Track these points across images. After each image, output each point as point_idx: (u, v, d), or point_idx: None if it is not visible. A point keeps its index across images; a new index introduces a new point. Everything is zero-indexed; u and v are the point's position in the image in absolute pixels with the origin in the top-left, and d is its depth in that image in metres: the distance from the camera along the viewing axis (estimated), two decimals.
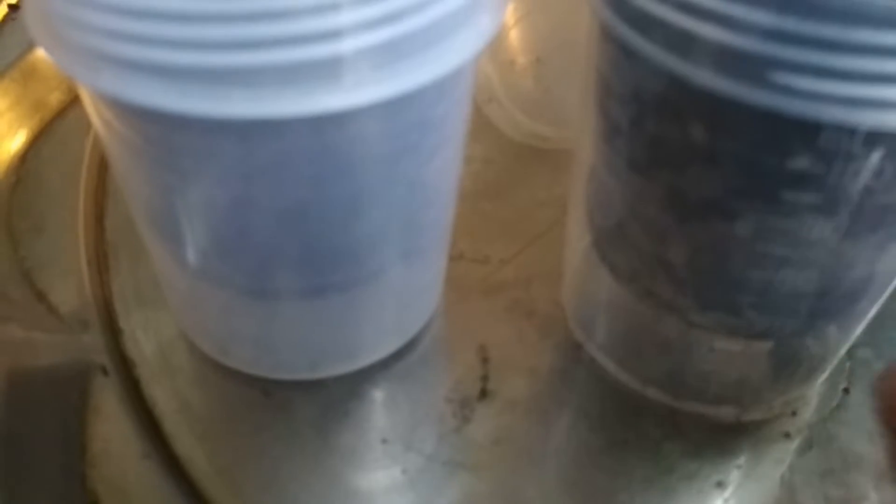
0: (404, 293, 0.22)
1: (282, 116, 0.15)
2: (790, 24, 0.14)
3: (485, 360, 0.24)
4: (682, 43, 0.15)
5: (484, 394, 0.23)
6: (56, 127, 0.29)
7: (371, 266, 0.20)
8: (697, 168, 0.17)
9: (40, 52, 0.30)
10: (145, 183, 0.19)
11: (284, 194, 0.17)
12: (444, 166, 0.20)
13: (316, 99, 0.15)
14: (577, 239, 0.24)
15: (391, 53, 0.15)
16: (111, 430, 0.21)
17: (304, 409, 0.22)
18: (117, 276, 0.25)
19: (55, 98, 0.30)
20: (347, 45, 0.14)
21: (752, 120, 0.16)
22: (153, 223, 0.20)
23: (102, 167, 0.28)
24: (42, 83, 0.30)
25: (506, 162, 0.30)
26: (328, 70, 0.14)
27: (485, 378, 0.23)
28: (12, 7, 0.33)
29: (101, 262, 0.25)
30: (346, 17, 0.14)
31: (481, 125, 0.30)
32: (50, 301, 0.24)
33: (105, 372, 0.22)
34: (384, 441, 0.22)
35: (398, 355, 0.24)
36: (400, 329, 0.24)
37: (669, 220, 0.19)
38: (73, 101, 0.30)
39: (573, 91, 0.32)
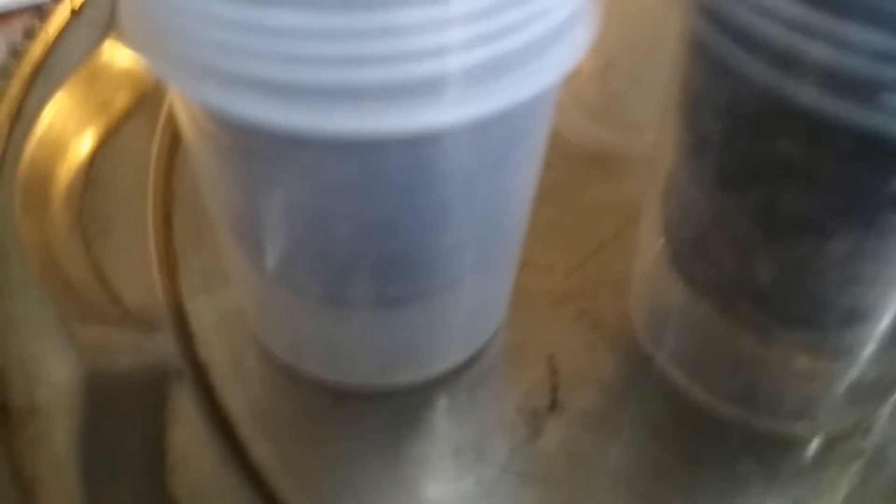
0: (478, 302, 0.22)
1: (384, 134, 0.15)
2: None
3: (554, 371, 0.24)
4: (786, 60, 0.15)
5: (554, 405, 0.23)
6: (122, 129, 0.29)
7: (449, 276, 0.20)
8: (792, 186, 0.17)
9: (106, 53, 0.31)
10: (230, 187, 0.19)
11: (372, 206, 0.17)
12: (527, 176, 0.20)
13: (417, 116, 0.15)
14: (649, 249, 0.23)
15: (492, 70, 0.15)
16: (188, 436, 0.21)
17: (377, 417, 0.22)
18: (187, 279, 0.25)
19: (121, 99, 0.30)
20: (454, 63, 0.14)
21: (855, 140, 0.15)
22: (233, 227, 0.20)
23: (169, 170, 0.28)
24: (107, 84, 0.30)
25: (569, 167, 0.29)
26: (431, 87, 0.14)
27: (555, 389, 0.23)
28: (75, 12, 0.33)
29: (171, 264, 0.25)
30: (454, 35, 0.14)
31: None
32: (124, 304, 0.24)
33: (180, 376, 0.23)
34: (456, 451, 0.22)
35: (468, 364, 0.24)
36: (471, 338, 0.24)
37: (758, 235, 0.18)
38: (139, 102, 0.30)
39: (641, 97, 0.32)
